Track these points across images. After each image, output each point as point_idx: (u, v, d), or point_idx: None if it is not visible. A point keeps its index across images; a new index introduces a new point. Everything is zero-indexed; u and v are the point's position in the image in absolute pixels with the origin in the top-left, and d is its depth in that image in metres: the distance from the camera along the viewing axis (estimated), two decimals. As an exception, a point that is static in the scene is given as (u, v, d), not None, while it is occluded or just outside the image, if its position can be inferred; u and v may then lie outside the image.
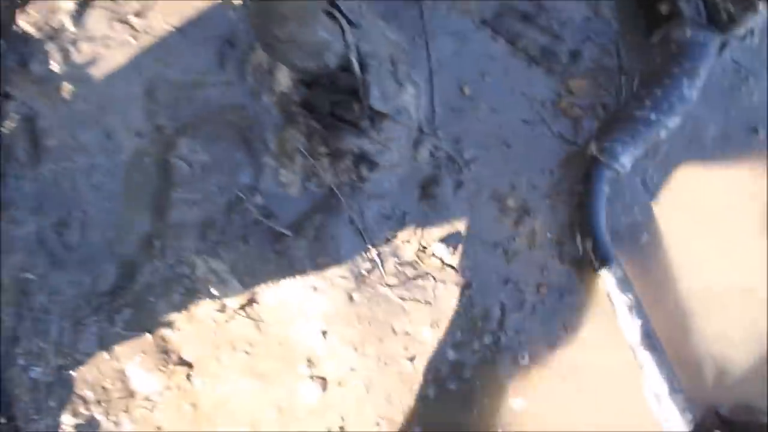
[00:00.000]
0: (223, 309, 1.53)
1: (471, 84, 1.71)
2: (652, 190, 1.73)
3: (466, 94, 1.70)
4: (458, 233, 1.63)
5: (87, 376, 1.49)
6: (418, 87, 1.66)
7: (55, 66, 1.55)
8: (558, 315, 1.63)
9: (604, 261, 1.57)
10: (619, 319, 1.58)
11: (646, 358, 1.53)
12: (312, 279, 1.56)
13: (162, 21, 1.63)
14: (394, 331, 1.57)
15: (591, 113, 1.73)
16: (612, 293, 1.58)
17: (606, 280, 1.58)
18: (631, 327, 1.55)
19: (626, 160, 1.61)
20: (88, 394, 1.48)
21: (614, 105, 1.75)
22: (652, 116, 1.63)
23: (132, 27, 1.62)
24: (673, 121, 1.65)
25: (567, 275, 1.65)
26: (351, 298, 1.56)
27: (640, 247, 1.69)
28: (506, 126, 1.70)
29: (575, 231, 1.66)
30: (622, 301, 1.56)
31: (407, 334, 1.57)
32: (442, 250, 1.60)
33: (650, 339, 1.54)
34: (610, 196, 1.66)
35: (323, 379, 1.54)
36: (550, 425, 1.55)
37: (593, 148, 1.64)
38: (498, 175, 1.67)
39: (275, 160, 1.59)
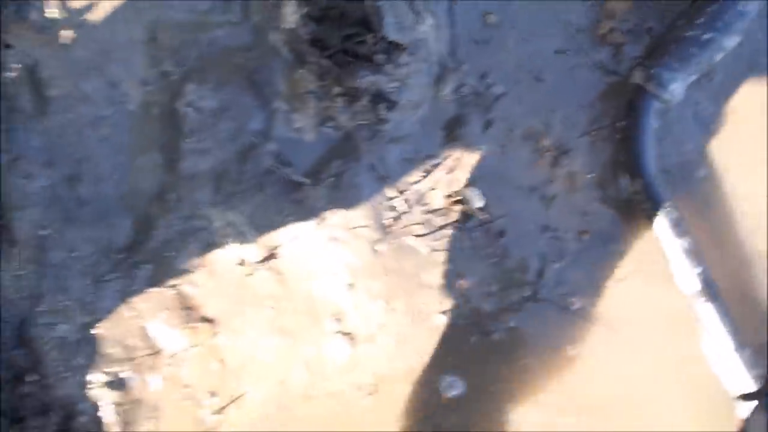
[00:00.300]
0: (243, 263, 1.46)
1: (496, 11, 1.54)
2: (705, 123, 1.55)
3: (491, 22, 1.53)
4: (489, 177, 1.50)
5: (112, 333, 1.46)
6: (437, 17, 1.51)
7: (53, 13, 1.46)
8: (603, 264, 1.50)
9: (656, 202, 1.42)
10: (674, 267, 1.44)
11: (706, 309, 1.40)
12: (333, 230, 1.47)
13: (161, -42, 1.53)
14: (423, 283, 1.48)
15: (634, 38, 1.54)
16: (665, 238, 1.43)
17: (658, 223, 1.43)
18: (688, 275, 1.41)
19: (676, 88, 1.43)
20: (115, 352, 1.46)
21: (661, 28, 1.56)
22: (706, 36, 1.43)
23: (130, -33, 1.52)
24: (731, 41, 1.45)
25: (611, 220, 1.51)
26: (375, 249, 1.47)
27: (693, 188, 1.53)
28: (538, 57, 1.53)
29: (620, 171, 1.50)
30: (677, 246, 1.41)
31: (438, 286, 1.47)
32: (472, 196, 1.48)
33: (710, 288, 1.40)
34: (658, 131, 1.50)
35: (352, 335, 1.48)
36: (598, 377, 1.45)
37: (638, 77, 1.46)
38: (531, 112, 1.52)
39: (287, 103, 1.48)
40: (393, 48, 1.41)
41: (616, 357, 1.46)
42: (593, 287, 1.49)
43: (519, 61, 1.52)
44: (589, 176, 1.52)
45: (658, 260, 1.48)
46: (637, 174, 1.47)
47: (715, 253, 1.48)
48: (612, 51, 1.54)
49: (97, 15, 1.48)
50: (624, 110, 1.50)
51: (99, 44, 1.47)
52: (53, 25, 1.47)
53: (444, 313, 1.48)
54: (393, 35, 1.38)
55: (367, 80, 1.41)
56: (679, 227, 1.42)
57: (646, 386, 1.46)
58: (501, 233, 1.49)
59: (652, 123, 1.45)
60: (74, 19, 1.47)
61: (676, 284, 1.46)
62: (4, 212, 1.41)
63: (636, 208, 1.49)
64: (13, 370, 1.43)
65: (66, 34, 1.46)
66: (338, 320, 1.48)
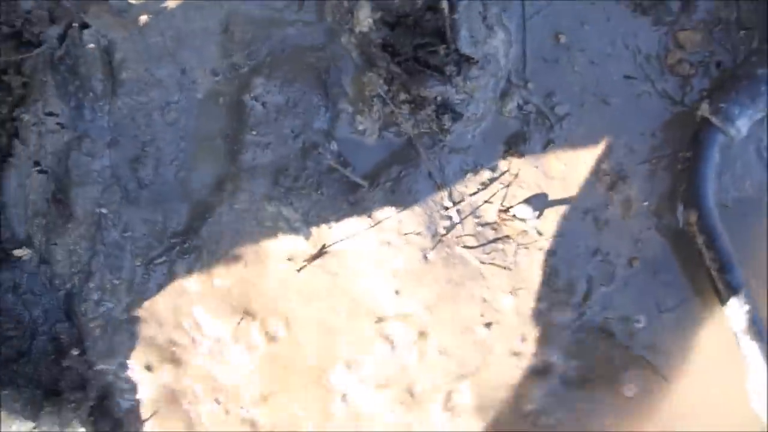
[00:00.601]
0: (293, 259, 1.47)
1: (568, 32, 1.54)
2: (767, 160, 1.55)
3: (562, 42, 1.54)
4: (544, 196, 1.50)
5: (156, 316, 1.47)
6: (509, 32, 1.52)
7: (131, -4, 1.50)
8: (651, 292, 1.49)
9: (710, 235, 1.41)
10: (723, 302, 1.42)
11: (752, 348, 1.38)
12: (386, 234, 1.47)
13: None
14: (470, 295, 1.47)
15: (703, 71, 1.53)
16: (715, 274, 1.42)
17: (711, 258, 1.42)
18: (737, 312, 1.40)
19: (743, 124, 1.42)
20: (157, 335, 1.47)
21: (731, 62, 1.55)
22: (779, 75, 1.43)
23: (209, -41, 1.54)
24: (803, 83, 1.45)
25: (663, 249, 1.49)
26: (426, 257, 1.47)
27: (749, 226, 1.51)
28: (605, 81, 1.53)
29: (677, 201, 1.49)
30: (727, 281, 1.40)
31: (484, 299, 1.46)
32: (526, 212, 1.47)
33: (757, 327, 1.38)
34: (718, 166, 1.49)
35: (393, 338, 1.47)
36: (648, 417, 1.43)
37: (706, 109, 1.45)
38: (593, 135, 1.52)
39: (352, 105, 1.49)
40: (464, 60, 1.42)
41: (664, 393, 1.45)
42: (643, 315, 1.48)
43: (585, 84, 1.52)
44: (645, 204, 1.51)
45: (709, 295, 1.47)
46: (694, 205, 1.45)
47: (763, 290, 1.47)
48: (679, 81, 1.53)
49: (174, 2, 1.51)
50: (687, 141, 1.49)
51: (174, 31, 1.49)
52: (131, 8, 1.50)
53: (487, 326, 1.48)
54: (466, 48, 1.39)
55: (435, 90, 1.42)
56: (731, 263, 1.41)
57: (690, 421, 1.44)
58: (551, 252, 1.48)
59: (715, 156, 1.44)
60: (152, 4, 1.50)
61: (725, 318, 1.44)
62: (64, 187, 1.43)
63: (689, 240, 1.47)
64: (56, 342, 1.45)
65: (143, 19, 1.49)
66: (381, 324, 1.48)
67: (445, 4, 1.35)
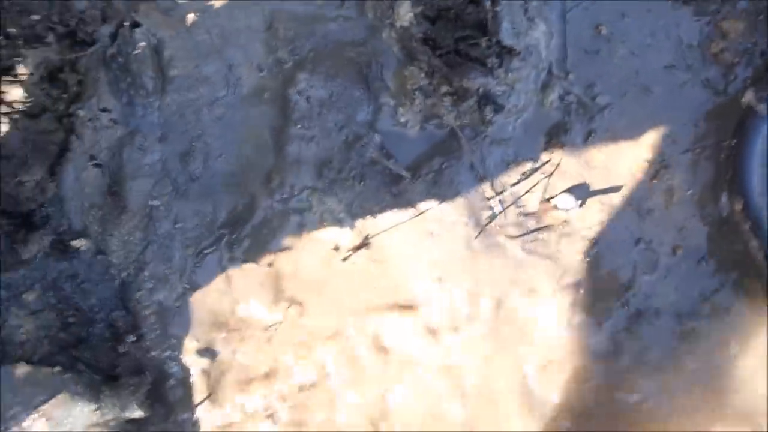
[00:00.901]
0: (337, 248, 1.50)
1: (608, 23, 1.54)
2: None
3: (603, 34, 1.54)
4: (586, 186, 1.50)
5: (207, 304, 1.52)
6: (550, 24, 1.53)
7: (179, -4, 1.55)
8: (695, 282, 1.49)
9: (756, 222, 1.40)
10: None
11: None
12: (429, 224, 1.50)
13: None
14: (513, 284, 1.49)
15: (746, 60, 1.53)
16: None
17: (757, 247, 1.41)
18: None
19: (790, 111, 1.42)
20: (208, 321, 1.52)
21: (774, 51, 1.54)
22: (825, 63, 1.42)
23: (253, -43, 1.58)
24: None
25: (707, 238, 1.49)
26: (468, 246, 1.49)
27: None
28: (646, 71, 1.53)
29: (721, 190, 1.49)
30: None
31: (528, 288, 1.48)
32: (568, 202, 1.48)
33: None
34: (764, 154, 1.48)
35: (436, 327, 1.49)
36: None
37: (751, 98, 1.45)
38: (634, 125, 1.52)
39: (394, 98, 1.51)
40: (505, 52, 1.43)
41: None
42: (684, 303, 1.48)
43: (627, 74, 1.53)
44: (688, 192, 1.51)
45: (757, 287, 1.46)
46: (740, 193, 1.45)
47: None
48: (722, 71, 1.52)
49: (219, 1, 1.55)
50: (731, 130, 1.49)
51: (219, 29, 1.54)
52: (177, 7, 1.55)
53: (531, 315, 1.49)
54: (508, 40, 1.41)
55: (477, 82, 1.44)
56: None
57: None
58: (594, 241, 1.49)
59: (760, 144, 1.43)
60: (197, 3, 1.55)
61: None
62: (118, 181, 1.49)
63: (735, 229, 1.47)
64: (113, 329, 1.50)
65: (190, 18, 1.54)
66: (425, 312, 1.50)
67: (488, -2, 1.37)
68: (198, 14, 1.54)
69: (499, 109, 1.47)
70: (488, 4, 1.40)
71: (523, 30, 1.46)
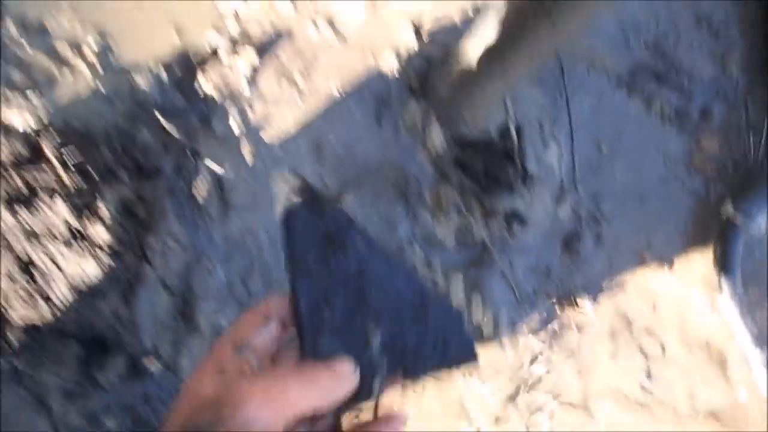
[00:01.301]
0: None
1: (607, 142, 1.81)
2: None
3: (604, 151, 1.80)
4: (599, 286, 1.74)
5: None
6: (561, 145, 1.77)
7: (233, 126, 1.70)
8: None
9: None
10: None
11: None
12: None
13: (324, 81, 1.76)
14: (538, 378, 1.70)
15: (723, 171, 1.82)
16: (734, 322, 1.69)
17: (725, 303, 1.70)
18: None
19: (762, 221, 1.70)
20: None
21: (743, 163, 1.84)
22: (786, 176, 1.71)
23: (298, 87, 1.75)
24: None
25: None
26: (502, 346, 1.70)
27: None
28: (642, 183, 1.81)
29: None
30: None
31: (551, 383, 1.70)
32: (584, 301, 1.72)
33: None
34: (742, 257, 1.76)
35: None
36: None
37: (728, 211, 1.73)
38: (635, 231, 1.78)
39: (431, 213, 1.72)
40: (528, 175, 1.66)
41: None
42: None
43: (626, 186, 1.79)
44: (685, 287, 1.78)
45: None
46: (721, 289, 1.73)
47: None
48: (704, 180, 1.81)
49: (271, 132, 1.71)
50: (715, 236, 1.76)
51: (272, 157, 1.70)
52: (233, 135, 1.70)
53: (555, 408, 1.71)
54: (533, 169, 1.64)
55: (506, 203, 1.66)
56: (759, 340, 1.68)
57: None
58: (611, 336, 1.73)
59: (739, 251, 1.71)
60: (251, 133, 1.71)
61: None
62: (188, 302, 1.62)
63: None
64: None
65: (246, 146, 1.69)
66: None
67: (514, 134, 1.59)
68: (253, 143, 1.70)
69: (523, 223, 1.70)
70: (515, 140, 1.63)
71: (541, 155, 1.70)
